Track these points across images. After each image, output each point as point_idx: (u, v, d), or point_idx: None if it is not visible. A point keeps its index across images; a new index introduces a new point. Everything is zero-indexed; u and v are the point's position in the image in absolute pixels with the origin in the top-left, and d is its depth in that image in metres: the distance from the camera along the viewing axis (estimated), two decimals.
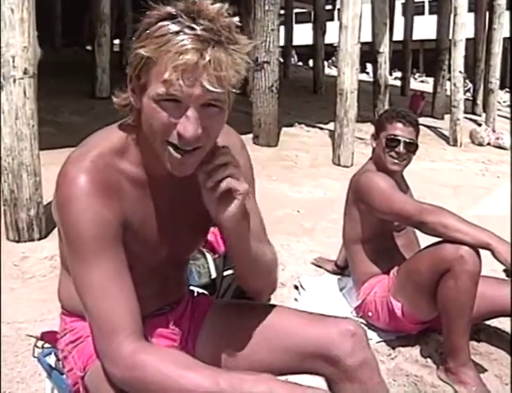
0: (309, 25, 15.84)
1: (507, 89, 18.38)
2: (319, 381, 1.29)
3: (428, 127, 9.27)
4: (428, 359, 2.32)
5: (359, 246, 2.51)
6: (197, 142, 1.03)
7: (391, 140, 2.40)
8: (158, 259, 1.23)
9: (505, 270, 2.13)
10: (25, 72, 3.18)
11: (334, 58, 17.64)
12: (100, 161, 1.09)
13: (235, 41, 1.00)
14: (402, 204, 2.27)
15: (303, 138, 7.35)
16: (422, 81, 21.84)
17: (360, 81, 6.62)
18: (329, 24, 13.58)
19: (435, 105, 11.05)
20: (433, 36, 11.37)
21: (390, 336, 2.44)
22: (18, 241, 3.31)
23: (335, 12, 18.18)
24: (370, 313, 2.45)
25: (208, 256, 1.80)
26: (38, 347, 1.42)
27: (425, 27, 20.59)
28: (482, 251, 2.06)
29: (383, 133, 2.44)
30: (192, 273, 1.71)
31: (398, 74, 17.49)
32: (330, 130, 7.30)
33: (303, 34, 21.75)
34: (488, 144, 8.79)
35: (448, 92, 9.48)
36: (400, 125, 2.42)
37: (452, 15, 8.85)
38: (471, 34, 11.20)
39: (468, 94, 13.62)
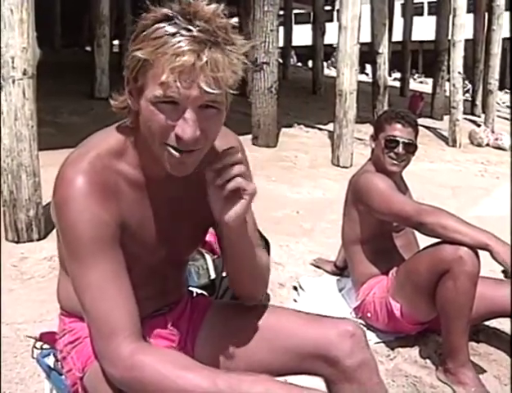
0: (308, 26, 15.85)
1: (506, 90, 18.39)
2: (318, 382, 1.30)
3: (428, 128, 9.28)
4: (428, 360, 2.32)
5: (358, 246, 2.51)
6: (195, 144, 1.03)
7: (390, 141, 2.40)
8: (157, 260, 1.23)
9: (503, 271, 2.13)
10: (25, 73, 3.18)
11: (333, 59, 17.65)
12: (98, 163, 1.09)
13: (231, 41, 1.00)
14: (401, 205, 2.27)
15: (302, 139, 7.35)
16: (421, 82, 21.85)
17: (359, 82, 6.62)
18: (328, 24, 13.58)
19: (434, 105, 11.06)
20: (433, 37, 11.37)
21: (389, 336, 2.44)
22: (17, 242, 3.31)
23: (334, 13, 18.17)
24: (369, 314, 2.45)
25: (208, 257, 1.80)
26: (36, 348, 1.42)
27: (424, 28, 20.59)
28: (481, 252, 2.06)
29: (382, 134, 2.44)
30: (191, 273, 1.72)
31: (397, 74, 17.50)
32: (329, 131, 7.31)
33: (302, 35, 21.76)
34: (487, 145, 8.79)
35: (447, 93, 9.48)
36: (399, 126, 2.42)
37: (451, 16, 8.86)
38: (470, 35, 11.20)
39: (467, 95, 13.64)
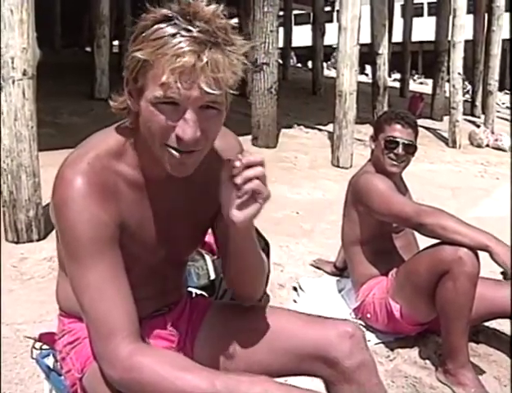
0: (308, 27, 15.86)
1: (506, 91, 18.41)
2: (317, 383, 1.30)
3: (427, 128, 9.28)
4: (427, 361, 2.32)
5: (358, 247, 2.51)
6: (196, 145, 1.03)
7: (390, 142, 2.40)
8: (156, 260, 1.23)
9: (502, 273, 2.13)
10: (24, 73, 3.18)
11: (333, 60, 17.65)
12: (97, 163, 1.09)
13: (231, 42, 1.00)
14: (401, 205, 2.27)
15: (302, 140, 7.35)
16: (421, 83, 21.83)
17: (359, 82, 6.62)
18: (328, 25, 13.58)
19: (434, 106, 11.05)
20: (432, 38, 11.37)
21: (389, 337, 2.44)
22: (17, 243, 3.31)
23: (334, 14, 18.18)
24: (368, 315, 2.45)
25: (207, 258, 1.79)
26: (36, 348, 1.42)
27: (424, 29, 20.57)
28: (480, 253, 2.06)
29: (381, 135, 2.44)
30: (191, 274, 1.71)
31: (397, 75, 17.49)
32: (329, 132, 7.31)
33: (302, 36, 21.77)
34: (487, 146, 8.80)
35: (447, 94, 9.49)
36: (399, 127, 2.42)
37: (451, 17, 8.87)
38: (470, 36, 11.20)
39: (467, 96, 13.63)
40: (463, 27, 8.47)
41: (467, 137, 8.91)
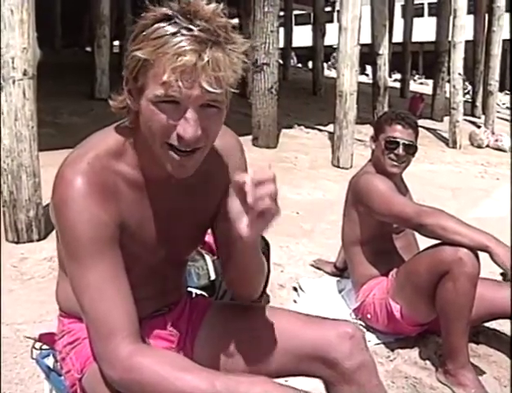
0: (308, 27, 15.83)
1: (506, 91, 18.39)
2: (317, 384, 1.29)
3: (428, 129, 9.27)
4: (427, 361, 2.32)
5: (358, 247, 2.51)
6: (197, 143, 1.03)
7: (390, 142, 2.40)
8: (156, 260, 1.23)
9: (502, 274, 2.12)
10: (25, 73, 3.18)
11: (333, 60, 17.65)
12: (97, 163, 1.09)
13: (232, 41, 1.00)
14: (401, 206, 2.27)
15: (303, 140, 7.35)
16: (421, 83, 21.82)
17: (359, 83, 6.61)
18: (328, 25, 13.58)
19: (434, 107, 11.05)
20: (433, 38, 11.37)
21: (389, 338, 2.44)
22: (17, 243, 3.31)
23: (335, 14, 18.19)
24: (368, 315, 2.45)
25: (208, 258, 1.79)
26: (36, 349, 1.42)
27: (425, 29, 20.57)
28: (480, 253, 2.06)
29: (382, 135, 2.44)
30: (191, 274, 1.71)
31: (398, 76, 17.50)
32: (329, 132, 7.31)
33: (302, 36, 21.75)
34: (487, 146, 8.79)
35: (447, 94, 9.48)
36: (399, 127, 2.41)
37: (452, 17, 8.86)
38: (470, 36, 11.20)
39: (467, 96, 13.62)
40: (463, 27, 8.46)
41: (467, 137, 8.91)
